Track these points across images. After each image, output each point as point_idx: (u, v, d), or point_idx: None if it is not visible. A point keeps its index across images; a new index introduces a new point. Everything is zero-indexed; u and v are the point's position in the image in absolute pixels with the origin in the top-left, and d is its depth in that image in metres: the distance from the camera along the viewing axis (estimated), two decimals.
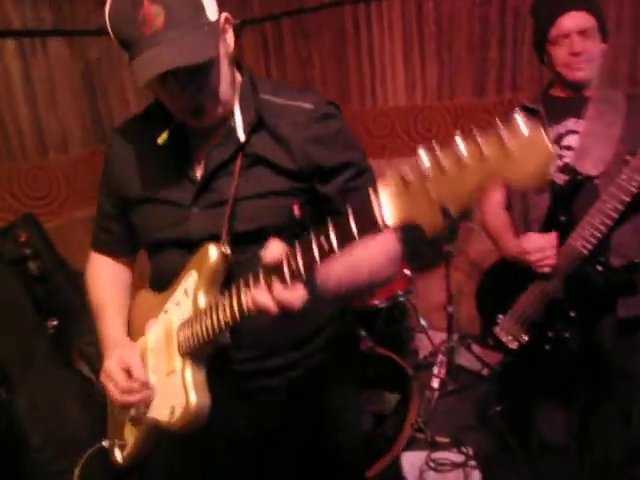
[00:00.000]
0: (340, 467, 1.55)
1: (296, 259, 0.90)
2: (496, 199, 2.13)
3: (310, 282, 0.95)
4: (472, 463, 2.60)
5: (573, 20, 1.79)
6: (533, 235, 1.90)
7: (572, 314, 1.87)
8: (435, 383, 3.25)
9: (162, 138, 1.25)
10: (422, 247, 2.89)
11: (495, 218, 2.12)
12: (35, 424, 2.17)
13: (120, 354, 1.31)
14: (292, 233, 1.11)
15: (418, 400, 2.87)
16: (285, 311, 0.93)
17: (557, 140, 1.91)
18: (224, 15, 1.18)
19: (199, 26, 1.08)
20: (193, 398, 1.19)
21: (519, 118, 0.66)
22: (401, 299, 3.01)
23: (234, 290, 1.06)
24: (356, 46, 3.76)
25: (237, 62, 1.31)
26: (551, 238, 1.84)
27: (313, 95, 1.32)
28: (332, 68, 3.90)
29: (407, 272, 3.02)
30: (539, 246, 1.85)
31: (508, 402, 2.72)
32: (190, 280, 1.25)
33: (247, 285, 1.01)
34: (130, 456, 1.44)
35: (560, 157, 1.90)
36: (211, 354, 1.25)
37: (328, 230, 0.85)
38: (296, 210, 1.25)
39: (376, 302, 3.00)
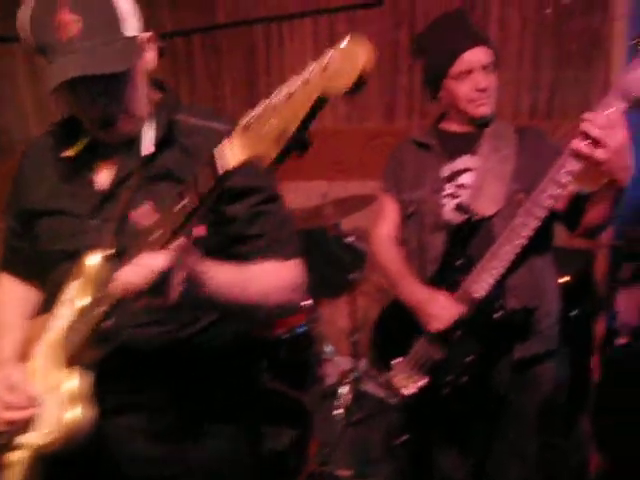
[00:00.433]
0: None
1: (164, 224, 0.90)
2: (385, 231, 2.02)
3: (182, 253, 0.92)
4: None
5: (476, 56, 1.74)
6: (442, 300, 1.78)
7: (468, 359, 1.78)
8: (340, 412, 3.11)
9: (72, 151, 1.25)
10: None
11: (387, 254, 2.01)
12: None
13: (4, 374, 1.24)
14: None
15: (318, 434, 2.75)
16: (154, 284, 0.88)
17: (452, 178, 1.85)
18: (148, 34, 1.20)
19: (115, 39, 1.09)
20: (69, 411, 1.11)
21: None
22: (301, 330, 2.88)
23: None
24: (267, 65, 3.70)
25: (159, 82, 1.32)
26: (457, 310, 1.75)
27: (229, 118, 1.26)
28: (243, 86, 3.81)
29: (307, 303, 2.90)
30: (442, 315, 1.77)
31: (412, 433, 2.60)
32: (71, 291, 1.20)
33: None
34: None
35: (455, 196, 1.83)
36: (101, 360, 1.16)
37: (188, 190, 0.88)
38: (201, 230, 1.19)
39: (278, 332, 2.85)
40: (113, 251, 1.14)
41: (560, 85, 3.10)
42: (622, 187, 1.51)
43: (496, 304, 1.74)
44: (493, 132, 1.86)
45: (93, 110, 1.16)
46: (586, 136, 1.43)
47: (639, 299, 2.94)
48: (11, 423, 1.21)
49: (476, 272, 1.71)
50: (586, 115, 1.43)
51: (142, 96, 1.21)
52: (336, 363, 3.43)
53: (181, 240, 0.90)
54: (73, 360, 1.15)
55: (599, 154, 1.41)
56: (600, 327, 3.08)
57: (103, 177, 1.26)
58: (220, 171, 0.81)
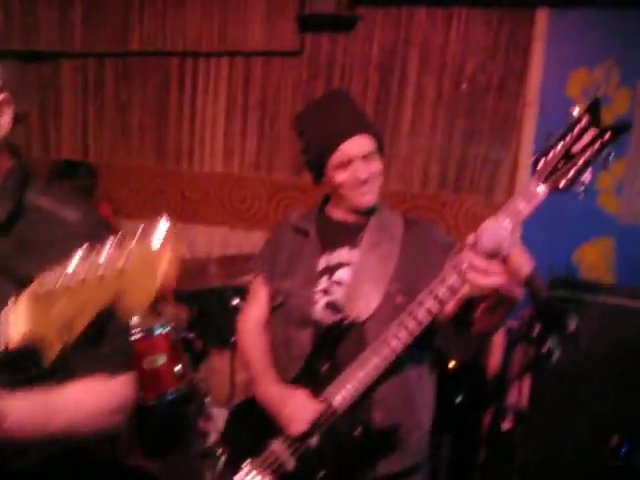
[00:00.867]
0: None
1: None
2: (254, 316, 1.82)
3: None
4: None
5: (355, 146, 1.59)
6: (299, 400, 1.62)
7: (320, 475, 1.61)
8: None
9: None
10: None
11: (251, 343, 1.81)
12: None
13: None
14: None
15: None
16: None
17: (327, 272, 1.67)
18: (2, 96, 1.05)
19: None
20: None
21: (159, 228, 0.63)
22: (170, 397, 2.66)
23: None
24: (179, 100, 3.53)
25: (13, 147, 1.15)
26: (315, 414, 1.58)
27: (86, 206, 1.15)
28: (152, 119, 3.61)
29: (178, 368, 2.69)
30: (301, 411, 1.59)
31: None
32: None
33: None
34: None
35: (328, 292, 1.65)
36: None
37: None
38: None
39: (147, 400, 2.62)
40: None
41: (470, 160, 3.06)
42: (515, 302, 1.38)
43: (359, 418, 1.57)
44: (378, 224, 1.71)
45: None
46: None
47: (529, 383, 2.89)
48: None
49: (341, 381, 1.53)
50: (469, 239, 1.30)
51: None
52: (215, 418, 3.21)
53: None
54: None
55: (481, 281, 1.24)
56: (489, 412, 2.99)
57: None
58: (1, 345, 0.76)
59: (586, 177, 1.23)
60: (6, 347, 0.76)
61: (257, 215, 3.46)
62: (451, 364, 2.67)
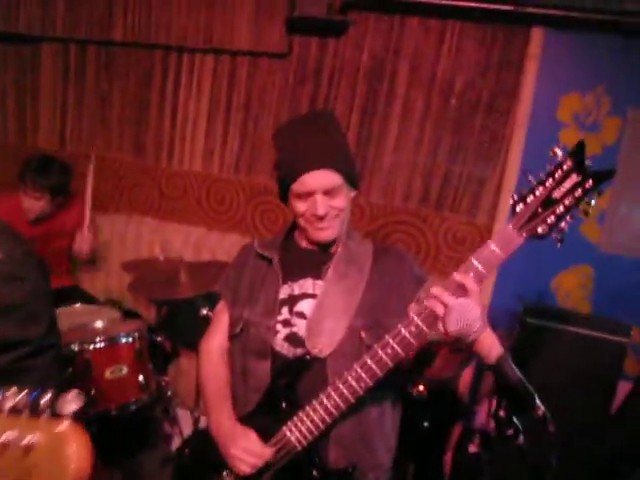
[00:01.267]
0: None
1: None
2: (217, 342, 1.75)
3: None
4: None
5: (316, 181, 1.50)
6: (253, 436, 1.53)
7: None
8: None
9: None
10: None
11: (210, 371, 1.74)
12: None
13: None
14: None
15: None
16: None
17: (290, 302, 1.60)
18: None
19: None
20: None
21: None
22: (133, 408, 2.60)
23: None
24: (161, 95, 3.42)
25: None
26: (267, 454, 1.50)
27: (13, 242, 1.09)
28: (132, 112, 3.51)
29: (141, 378, 2.63)
30: (251, 451, 1.52)
31: None
32: None
33: None
34: None
35: (290, 324, 1.58)
36: None
37: None
38: None
39: (109, 409, 2.55)
40: None
41: (454, 178, 2.99)
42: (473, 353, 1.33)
43: (315, 458, 1.52)
44: (345, 254, 1.64)
45: None
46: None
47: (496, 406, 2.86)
48: None
49: (299, 419, 1.47)
50: (434, 290, 1.25)
51: None
52: (181, 428, 3.17)
53: None
54: None
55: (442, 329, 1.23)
56: (457, 431, 2.97)
57: None
58: None
59: (565, 224, 1.19)
60: None
61: (234, 218, 3.38)
62: (420, 387, 2.63)
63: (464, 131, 2.93)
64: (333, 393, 1.42)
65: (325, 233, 1.57)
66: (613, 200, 2.69)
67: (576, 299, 2.84)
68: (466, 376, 3.03)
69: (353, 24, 3.01)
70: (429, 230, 3.07)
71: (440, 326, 1.23)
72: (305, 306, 1.58)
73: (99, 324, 2.74)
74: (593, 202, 1.16)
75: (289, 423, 1.49)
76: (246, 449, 1.50)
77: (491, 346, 1.25)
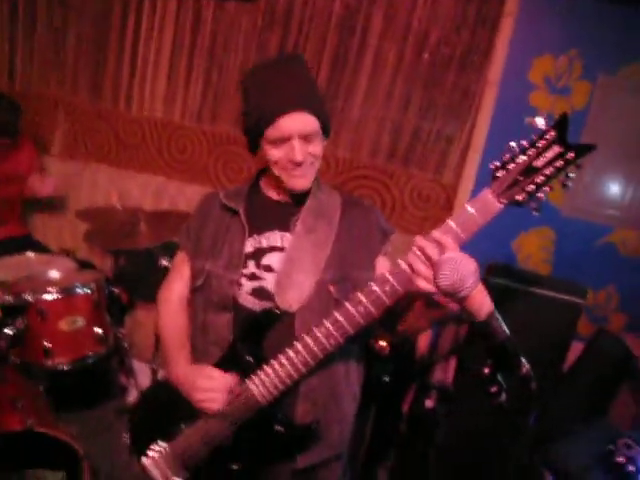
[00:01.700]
0: None
1: None
2: (177, 291, 1.70)
3: None
4: None
5: (296, 123, 1.43)
6: (212, 372, 1.51)
7: (235, 467, 1.53)
8: (127, 437, 2.79)
9: None
10: None
11: (170, 321, 1.69)
12: None
13: None
14: None
15: (101, 461, 2.50)
16: None
17: (256, 255, 1.55)
18: None
19: None
20: None
21: None
22: (90, 361, 2.53)
23: None
24: (120, 36, 3.24)
25: None
26: (227, 382, 1.48)
27: None
28: (89, 52, 3.31)
29: (98, 330, 2.55)
30: (211, 387, 1.49)
31: None
32: None
33: None
34: None
35: (256, 278, 1.53)
36: None
37: None
38: None
39: (59, 364, 2.48)
40: None
41: (423, 134, 2.95)
42: (449, 311, 1.32)
43: (279, 414, 1.50)
44: (314, 206, 1.58)
45: None
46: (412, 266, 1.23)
47: (456, 363, 2.92)
48: None
49: (265, 374, 1.45)
50: (417, 239, 1.22)
51: None
52: (137, 381, 3.12)
53: None
54: None
55: (424, 285, 1.21)
56: (414, 386, 3.03)
57: None
58: None
59: (542, 194, 1.18)
60: None
61: (195, 167, 3.27)
62: (382, 343, 2.64)
63: (435, 87, 2.88)
64: (302, 349, 1.39)
65: (302, 181, 1.51)
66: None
67: (537, 261, 2.88)
68: (425, 335, 3.08)
69: None
70: (395, 186, 3.04)
71: (419, 283, 1.22)
72: (273, 259, 1.53)
73: (54, 274, 2.64)
74: (572, 175, 1.16)
75: (253, 377, 1.46)
76: (207, 386, 1.47)
77: (482, 302, 1.23)
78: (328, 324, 1.36)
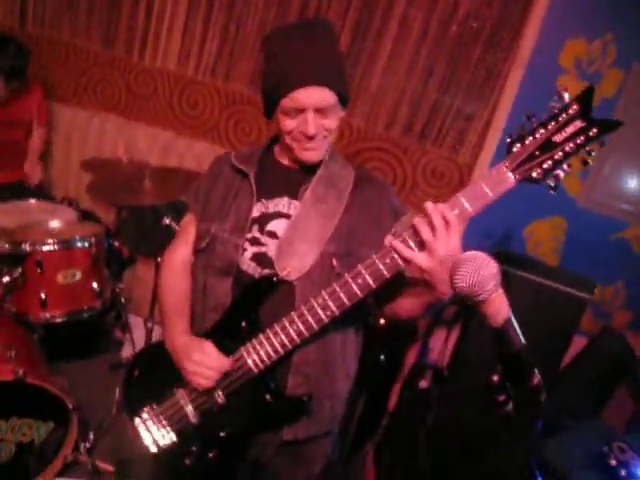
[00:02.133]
0: None
1: None
2: (181, 254, 1.66)
3: None
4: None
5: (309, 97, 1.37)
6: (211, 349, 1.46)
7: (222, 434, 1.51)
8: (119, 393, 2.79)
9: None
10: None
11: (172, 283, 1.65)
12: None
13: None
14: None
15: (91, 413, 2.54)
16: None
17: (261, 220, 1.50)
18: None
19: None
20: None
21: None
22: (85, 315, 2.51)
23: None
24: None
25: None
26: (224, 364, 1.44)
27: None
28: None
29: (95, 285, 2.52)
30: (207, 363, 1.44)
31: None
32: None
33: None
34: None
35: (259, 243, 1.49)
36: None
37: None
38: None
39: (54, 316, 2.46)
40: None
41: (442, 110, 2.86)
42: (440, 299, 1.29)
43: (272, 382, 1.48)
44: (326, 177, 1.53)
45: None
46: (415, 233, 1.20)
47: (454, 345, 2.90)
48: None
49: (259, 342, 1.41)
50: (427, 205, 1.18)
51: None
52: (133, 338, 3.11)
53: None
54: None
55: (421, 260, 1.19)
56: (409, 361, 3.01)
57: None
58: None
59: (561, 171, 1.12)
60: None
61: (206, 124, 3.19)
62: (381, 321, 2.61)
63: (460, 62, 2.77)
64: (297, 319, 1.36)
65: (312, 154, 1.46)
66: (599, 156, 2.62)
67: (546, 250, 2.83)
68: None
69: None
70: (408, 162, 2.96)
71: (415, 258, 1.19)
72: (278, 226, 1.48)
73: (54, 224, 2.58)
74: (594, 153, 1.10)
75: (247, 345, 1.43)
76: (202, 362, 1.44)
77: (500, 307, 1.14)
78: (326, 295, 1.32)
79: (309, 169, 1.53)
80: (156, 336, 2.82)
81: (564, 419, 2.29)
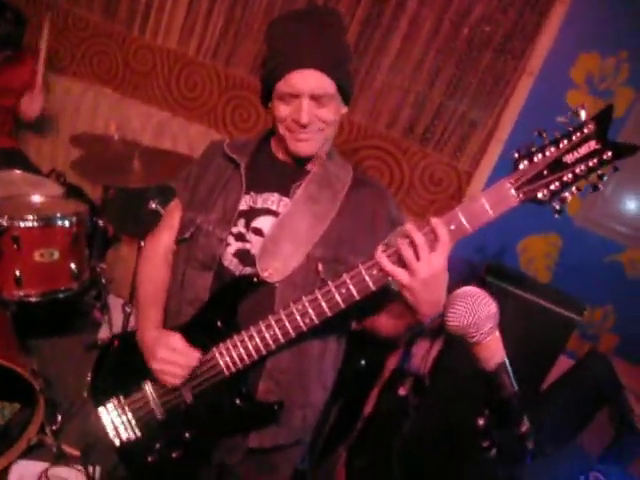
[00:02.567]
0: None
1: None
2: (164, 242, 1.58)
3: None
4: None
5: (305, 81, 1.28)
6: (177, 343, 1.39)
7: (187, 435, 1.45)
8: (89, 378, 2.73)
9: None
10: None
11: (150, 274, 1.58)
12: None
13: None
14: None
15: (61, 395, 2.50)
16: None
17: (248, 215, 1.42)
18: None
19: None
20: None
21: None
22: (61, 296, 2.43)
23: None
24: None
25: None
26: (192, 359, 1.38)
27: None
28: None
29: (73, 266, 2.43)
30: (174, 360, 1.38)
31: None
32: None
33: None
34: None
35: (243, 239, 1.41)
36: None
37: None
38: None
39: (29, 295, 2.39)
40: None
41: (446, 114, 2.78)
42: (420, 321, 1.21)
43: (242, 387, 1.41)
44: (321, 176, 1.45)
45: None
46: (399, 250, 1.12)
47: (436, 354, 2.84)
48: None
49: (233, 344, 1.34)
50: (409, 227, 1.09)
51: None
52: (111, 318, 3.04)
53: None
54: None
55: (401, 276, 1.10)
56: (390, 365, 2.95)
57: None
58: None
59: (569, 194, 1.04)
60: None
61: (203, 107, 3.10)
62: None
63: (469, 66, 2.69)
64: (274, 324, 1.29)
65: (304, 145, 1.37)
66: None
67: (538, 266, 2.77)
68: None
69: None
70: (407, 163, 2.89)
71: (397, 274, 1.11)
72: (264, 223, 1.41)
73: (36, 199, 2.49)
74: (606, 178, 1.02)
75: (221, 345, 1.37)
76: (168, 359, 1.38)
77: (495, 352, 1.09)
78: (306, 302, 1.24)
79: (304, 164, 1.45)
80: (133, 321, 2.75)
81: (543, 443, 2.25)
